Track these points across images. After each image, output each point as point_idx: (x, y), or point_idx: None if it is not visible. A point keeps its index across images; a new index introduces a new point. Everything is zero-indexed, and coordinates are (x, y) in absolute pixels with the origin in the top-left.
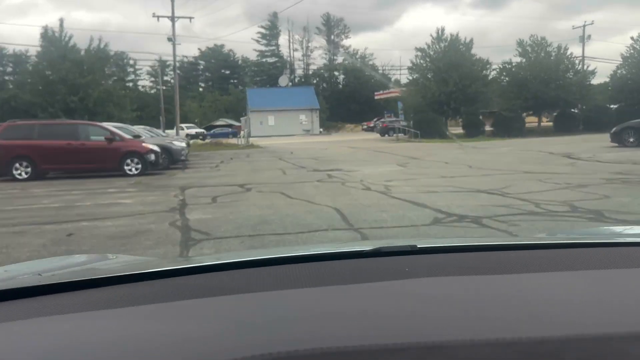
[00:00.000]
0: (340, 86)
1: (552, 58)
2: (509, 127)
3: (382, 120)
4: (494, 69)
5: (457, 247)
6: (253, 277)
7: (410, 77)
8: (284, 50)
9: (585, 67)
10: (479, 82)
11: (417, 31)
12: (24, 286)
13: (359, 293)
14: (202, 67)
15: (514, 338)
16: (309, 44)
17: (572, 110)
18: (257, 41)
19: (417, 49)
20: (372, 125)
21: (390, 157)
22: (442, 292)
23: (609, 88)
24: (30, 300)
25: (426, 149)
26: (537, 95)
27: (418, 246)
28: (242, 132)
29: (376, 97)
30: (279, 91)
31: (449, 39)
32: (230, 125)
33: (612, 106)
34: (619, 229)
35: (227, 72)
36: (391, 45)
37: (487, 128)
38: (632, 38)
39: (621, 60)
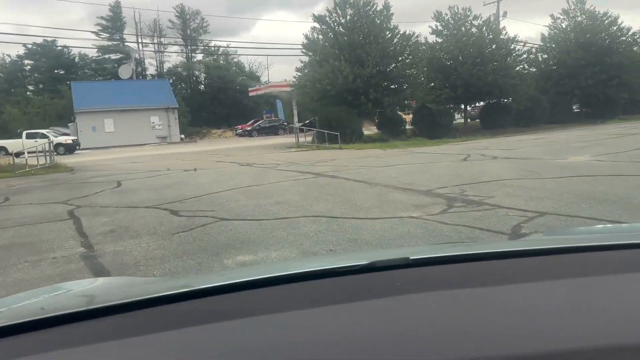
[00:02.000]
0: (202, 87)
1: (483, 35)
2: (433, 124)
3: (260, 122)
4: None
5: (452, 257)
6: (246, 300)
7: (304, 62)
8: (132, 45)
9: (513, 47)
10: (406, 65)
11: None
12: (29, 320)
13: (353, 312)
14: (29, 67)
15: (517, 354)
16: (161, 39)
17: (504, 100)
18: (97, 34)
19: (315, 18)
20: (248, 128)
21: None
22: (436, 307)
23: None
24: (37, 334)
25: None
26: (470, 83)
27: (411, 258)
28: (49, 144)
29: (251, 94)
30: (120, 85)
31: (360, 3)
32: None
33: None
34: (613, 227)
35: (62, 72)
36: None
37: (408, 127)
38: (551, 16)
39: (541, 43)
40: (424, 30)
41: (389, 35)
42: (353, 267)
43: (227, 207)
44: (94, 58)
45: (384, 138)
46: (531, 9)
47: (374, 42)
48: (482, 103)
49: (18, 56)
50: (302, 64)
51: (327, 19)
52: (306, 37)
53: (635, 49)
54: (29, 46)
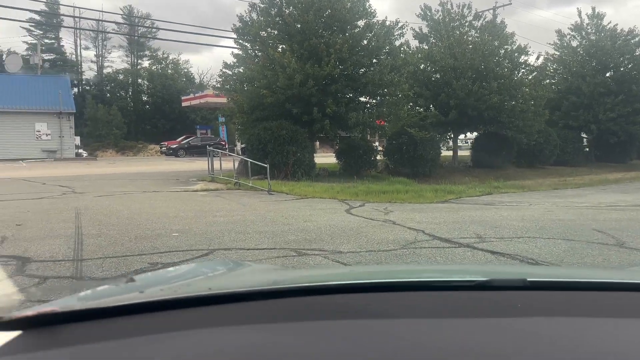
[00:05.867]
0: (145, 97)
1: (487, 41)
2: (414, 157)
3: (190, 140)
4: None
5: (571, 283)
6: (379, 303)
7: (237, 55)
8: (69, 47)
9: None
10: (383, 67)
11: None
12: (198, 296)
13: (472, 328)
14: None
15: None
16: (105, 42)
17: (504, 132)
18: (29, 30)
19: None
20: (174, 146)
21: None
22: (554, 333)
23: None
24: (202, 310)
25: None
26: (466, 104)
27: (528, 280)
28: None
29: (184, 104)
30: (0, 80)
31: None
32: None
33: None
34: None
35: None
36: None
37: (379, 158)
38: (559, 32)
39: (555, 47)
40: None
41: (363, 24)
42: (469, 282)
43: None
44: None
45: (344, 172)
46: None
47: (339, 31)
48: (474, 133)
49: None
50: (234, 61)
51: None
52: (240, 19)
53: None
54: None
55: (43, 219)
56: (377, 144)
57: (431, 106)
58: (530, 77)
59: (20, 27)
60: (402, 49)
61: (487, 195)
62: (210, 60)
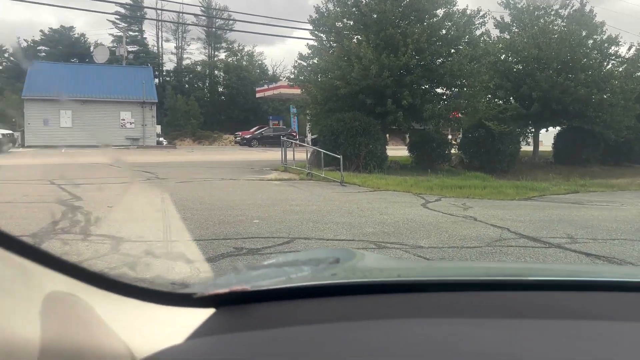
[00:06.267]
0: (221, 88)
1: (574, 30)
2: (492, 152)
3: (263, 130)
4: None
5: None
6: (585, 302)
7: (310, 50)
8: (151, 39)
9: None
10: (463, 58)
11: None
12: (388, 282)
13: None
14: (43, 54)
15: None
16: (184, 34)
17: (588, 127)
18: (115, 23)
19: None
20: (248, 136)
21: None
22: None
23: None
24: (389, 298)
25: None
26: (550, 97)
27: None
28: None
29: (258, 95)
30: (87, 70)
31: None
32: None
33: None
34: None
35: (76, 60)
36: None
37: (453, 151)
38: None
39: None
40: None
41: (442, 13)
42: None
43: None
44: (110, 48)
45: (417, 166)
46: None
47: (416, 20)
48: (557, 128)
49: (33, 41)
50: (309, 52)
51: None
52: (317, 10)
53: None
54: (46, 32)
55: (132, 201)
56: (450, 137)
57: (511, 98)
58: (620, 69)
59: (107, 19)
60: (482, 38)
61: (573, 193)
62: (283, 52)
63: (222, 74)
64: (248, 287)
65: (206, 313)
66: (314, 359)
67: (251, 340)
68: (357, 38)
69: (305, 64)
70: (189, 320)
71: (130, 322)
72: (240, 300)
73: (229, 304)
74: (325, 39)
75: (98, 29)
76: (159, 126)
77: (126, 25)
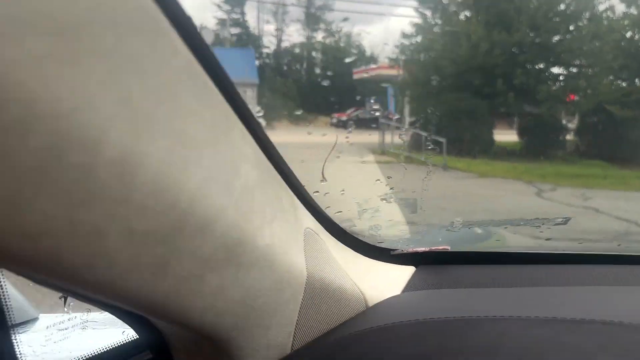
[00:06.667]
0: (318, 70)
1: None
2: (614, 139)
3: (359, 112)
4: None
5: None
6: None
7: (414, 28)
8: (251, 21)
9: None
10: (583, 36)
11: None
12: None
13: None
14: None
15: None
16: (284, 16)
17: None
18: (219, 6)
19: None
20: (344, 118)
21: None
22: None
23: None
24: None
25: None
26: None
27: None
28: None
29: (355, 77)
30: None
31: None
32: None
33: None
34: None
35: None
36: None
37: (568, 137)
38: None
39: None
40: None
41: None
42: None
43: None
44: (214, 31)
45: (526, 152)
46: None
47: None
48: None
49: None
50: (412, 31)
51: None
52: None
53: None
54: None
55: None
56: (564, 121)
57: (636, 80)
58: None
59: (212, 2)
60: (605, 14)
61: None
62: (381, 32)
63: (320, 55)
64: (448, 247)
65: (410, 269)
66: (525, 315)
67: (456, 296)
68: (464, 14)
69: (407, 42)
70: (399, 275)
71: (356, 271)
72: (439, 261)
73: (429, 262)
74: (430, 16)
75: (204, 12)
76: (259, 107)
77: (230, 8)
